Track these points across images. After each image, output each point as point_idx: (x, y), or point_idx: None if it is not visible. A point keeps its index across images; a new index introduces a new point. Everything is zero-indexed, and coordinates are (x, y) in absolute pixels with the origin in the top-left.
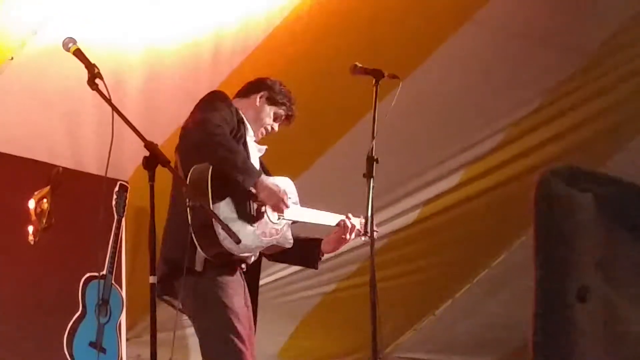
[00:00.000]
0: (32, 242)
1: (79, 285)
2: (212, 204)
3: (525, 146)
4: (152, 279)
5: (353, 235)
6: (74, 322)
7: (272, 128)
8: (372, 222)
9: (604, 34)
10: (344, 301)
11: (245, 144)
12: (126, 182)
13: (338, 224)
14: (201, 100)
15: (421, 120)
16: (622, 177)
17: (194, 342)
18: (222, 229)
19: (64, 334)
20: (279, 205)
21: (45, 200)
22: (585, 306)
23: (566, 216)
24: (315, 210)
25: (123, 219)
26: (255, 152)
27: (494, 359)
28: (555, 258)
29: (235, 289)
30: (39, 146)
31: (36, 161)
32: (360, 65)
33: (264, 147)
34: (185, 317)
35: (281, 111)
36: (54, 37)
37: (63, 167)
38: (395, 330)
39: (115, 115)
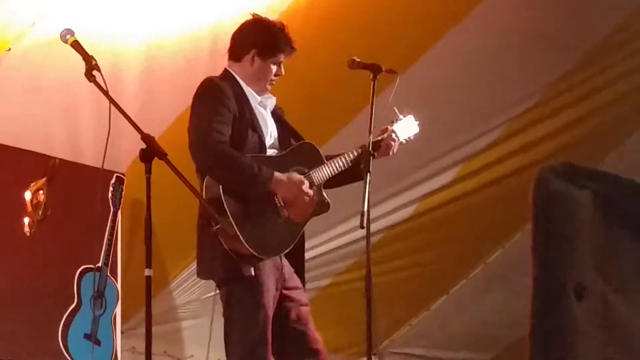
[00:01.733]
0: (28, 234)
1: (74, 277)
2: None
3: (522, 143)
4: (147, 272)
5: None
6: (69, 314)
7: (278, 75)
8: (368, 217)
9: (601, 32)
10: (339, 296)
11: (249, 119)
12: (123, 174)
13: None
14: (195, 98)
15: (418, 115)
16: (620, 174)
17: (188, 335)
18: (218, 221)
19: (59, 325)
20: (298, 197)
21: (41, 191)
22: (583, 304)
23: (564, 213)
24: (335, 160)
25: (119, 211)
26: (264, 116)
27: (489, 354)
28: (553, 255)
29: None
30: (36, 138)
31: (33, 152)
32: (358, 59)
33: (272, 100)
34: (182, 310)
35: (279, 57)
36: (52, 29)
37: (60, 159)
38: (390, 326)
39: (113, 107)
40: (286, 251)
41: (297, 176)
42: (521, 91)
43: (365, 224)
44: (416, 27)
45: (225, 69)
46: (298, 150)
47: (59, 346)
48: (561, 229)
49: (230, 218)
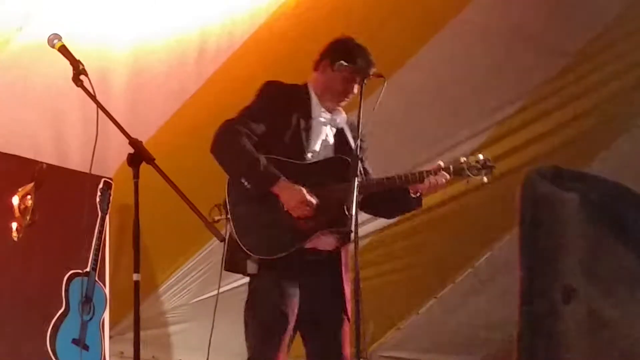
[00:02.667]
0: (15, 239)
1: (62, 282)
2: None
3: (509, 146)
4: (135, 277)
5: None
6: (57, 319)
7: (348, 91)
8: (356, 221)
9: (588, 35)
10: None
11: (296, 125)
12: (110, 179)
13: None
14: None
15: (405, 119)
16: (607, 177)
17: (177, 339)
18: (206, 226)
19: (47, 330)
20: (298, 207)
21: (29, 196)
22: (570, 306)
23: (551, 216)
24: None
25: (107, 216)
26: (320, 129)
27: (477, 357)
28: (540, 258)
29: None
30: (23, 142)
31: (20, 157)
32: (345, 63)
33: (342, 116)
34: (171, 314)
35: (348, 70)
36: (39, 34)
37: (47, 164)
38: (378, 329)
39: (100, 112)
40: (283, 255)
41: (302, 192)
42: (507, 95)
43: (353, 228)
44: (402, 32)
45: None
46: (327, 163)
47: (47, 351)
48: (548, 232)
49: (230, 215)
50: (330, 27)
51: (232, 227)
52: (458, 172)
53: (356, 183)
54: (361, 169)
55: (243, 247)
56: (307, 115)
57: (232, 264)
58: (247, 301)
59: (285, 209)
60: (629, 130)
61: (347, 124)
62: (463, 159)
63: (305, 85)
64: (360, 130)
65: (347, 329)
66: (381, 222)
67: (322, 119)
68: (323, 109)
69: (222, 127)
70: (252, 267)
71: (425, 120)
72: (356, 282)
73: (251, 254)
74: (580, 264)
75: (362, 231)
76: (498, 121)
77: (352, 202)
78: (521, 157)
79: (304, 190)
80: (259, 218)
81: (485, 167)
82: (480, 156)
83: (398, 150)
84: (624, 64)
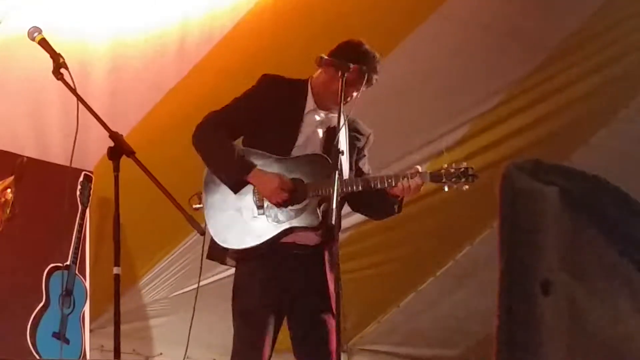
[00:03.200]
0: None
1: (42, 276)
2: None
3: (489, 139)
4: (116, 270)
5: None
6: (37, 313)
7: (348, 94)
8: (338, 214)
9: (568, 30)
10: None
11: (284, 120)
12: (91, 172)
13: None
14: None
15: (385, 112)
16: (587, 170)
17: (157, 333)
18: (187, 219)
19: (27, 324)
20: (273, 196)
21: (9, 190)
22: (550, 300)
23: (531, 209)
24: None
25: (87, 209)
26: (309, 125)
27: (457, 350)
28: (520, 251)
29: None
30: (3, 136)
31: (0, 151)
32: (326, 57)
33: (333, 119)
34: (151, 308)
35: (357, 80)
36: (19, 27)
37: (27, 157)
38: (359, 322)
39: (81, 105)
40: (253, 245)
41: (277, 177)
42: (487, 89)
43: (333, 221)
44: (383, 25)
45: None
46: (307, 160)
47: (27, 345)
48: (528, 225)
49: (205, 205)
50: (310, 22)
51: (206, 219)
52: (436, 178)
53: (337, 175)
54: (350, 165)
55: (216, 241)
56: (299, 111)
57: (215, 252)
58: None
59: (262, 196)
60: (608, 125)
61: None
62: (444, 166)
63: (306, 81)
64: (342, 123)
65: (333, 325)
66: (360, 216)
67: (317, 117)
68: (318, 107)
69: (204, 119)
70: (231, 260)
71: (404, 114)
72: (336, 275)
73: (224, 246)
74: (560, 256)
75: (342, 224)
76: (478, 115)
77: (332, 196)
78: (501, 150)
79: (279, 176)
80: (232, 212)
81: (465, 175)
82: (463, 164)
83: (376, 143)
84: (604, 58)
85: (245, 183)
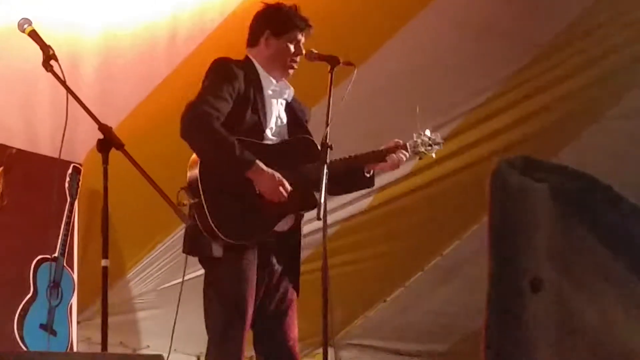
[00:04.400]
0: None
1: (30, 267)
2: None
3: (478, 136)
4: (104, 262)
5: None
6: (24, 304)
7: (297, 54)
8: (325, 208)
9: (557, 27)
10: None
11: (253, 101)
12: (80, 164)
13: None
14: (205, 75)
15: (375, 106)
16: (577, 168)
17: (145, 326)
18: (175, 211)
19: (15, 315)
20: (274, 192)
21: None
22: (538, 297)
23: (520, 206)
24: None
25: (76, 202)
26: (272, 103)
27: (445, 346)
28: (509, 248)
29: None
30: None
31: None
32: (315, 51)
33: (290, 91)
34: (138, 300)
35: (294, 34)
36: (9, 18)
37: (17, 149)
38: (346, 317)
39: (70, 97)
40: (253, 240)
41: (278, 177)
42: (476, 85)
43: (322, 216)
44: (373, 20)
45: (246, 55)
46: (293, 143)
47: (15, 336)
48: (517, 222)
49: (202, 198)
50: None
51: (206, 211)
52: (414, 149)
53: (325, 171)
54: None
55: (218, 232)
56: (259, 89)
57: (196, 247)
58: (206, 284)
59: (260, 193)
60: (597, 122)
61: (295, 99)
62: (415, 136)
63: (249, 59)
64: (330, 118)
65: (295, 309)
66: (349, 210)
67: (271, 92)
68: (271, 80)
69: (189, 111)
70: (217, 250)
71: (393, 109)
72: (324, 270)
73: (226, 239)
74: (549, 253)
75: (329, 220)
76: (467, 111)
77: (322, 190)
78: (489, 147)
79: (278, 175)
80: (232, 203)
81: (435, 143)
82: (428, 132)
83: (364, 139)
84: (593, 56)
85: (245, 178)
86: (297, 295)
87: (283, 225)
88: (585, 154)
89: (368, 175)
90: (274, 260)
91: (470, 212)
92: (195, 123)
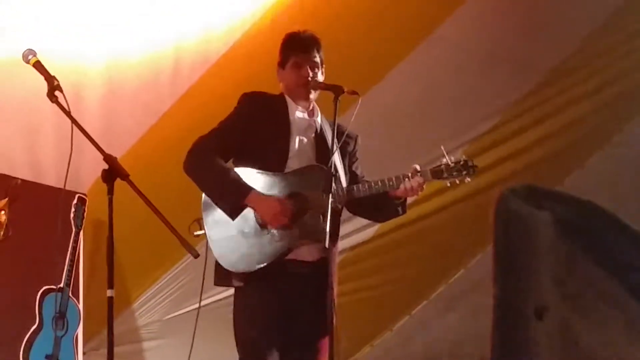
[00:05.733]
0: None
1: (36, 298)
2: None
3: (483, 164)
4: (109, 292)
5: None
6: (30, 335)
7: (304, 76)
8: (329, 237)
9: (562, 54)
10: None
11: (279, 135)
12: (85, 194)
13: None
14: None
15: (379, 135)
16: (580, 196)
17: (150, 356)
18: (180, 242)
19: (21, 346)
20: (274, 221)
21: (3, 212)
22: (543, 325)
23: (525, 234)
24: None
25: (81, 232)
26: (301, 132)
27: None
28: (514, 276)
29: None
30: None
31: None
32: (320, 80)
33: (317, 117)
34: (144, 330)
35: (295, 59)
36: (13, 49)
37: (22, 179)
38: (352, 346)
39: (75, 127)
40: (261, 266)
41: (277, 201)
42: (482, 112)
43: (327, 244)
44: (378, 49)
45: None
46: (304, 172)
47: None
48: (521, 250)
49: (205, 226)
50: None
51: (210, 245)
52: (437, 174)
53: (330, 198)
54: (343, 179)
55: (222, 265)
56: (286, 119)
57: (220, 278)
58: (233, 313)
59: (262, 221)
60: (602, 149)
61: (328, 127)
62: (444, 160)
63: (282, 94)
64: (334, 147)
65: (327, 340)
66: (355, 239)
67: (299, 116)
68: (300, 109)
69: (194, 145)
70: (237, 281)
71: (398, 137)
72: (329, 299)
73: (229, 269)
74: (553, 281)
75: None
76: (471, 139)
77: (326, 220)
78: (494, 174)
79: (279, 200)
80: (235, 234)
81: (466, 167)
82: (462, 157)
83: (369, 168)
84: (597, 82)
85: (243, 207)
86: (323, 328)
87: (304, 255)
88: (590, 180)
89: (397, 202)
90: (300, 294)
91: (474, 240)
92: (193, 156)
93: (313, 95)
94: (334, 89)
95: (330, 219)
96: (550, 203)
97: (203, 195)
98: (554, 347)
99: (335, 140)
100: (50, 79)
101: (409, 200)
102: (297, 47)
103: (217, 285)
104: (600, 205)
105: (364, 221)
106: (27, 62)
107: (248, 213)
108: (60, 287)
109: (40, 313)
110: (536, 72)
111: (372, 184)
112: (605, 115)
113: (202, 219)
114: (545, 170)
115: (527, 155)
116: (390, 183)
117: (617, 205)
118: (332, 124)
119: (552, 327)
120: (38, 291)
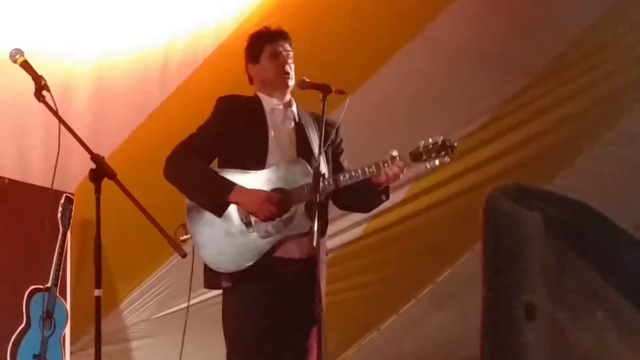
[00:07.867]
0: None
1: (23, 298)
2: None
3: (472, 163)
4: (97, 292)
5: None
6: (17, 335)
7: (282, 63)
8: (317, 237)
9: (551, 53)
10: None
11: (256, 133)
12: (72, 194)
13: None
14: None
15: (367, 134)
16: (569, 195)
17: (137, 355)
18: (168, 241)
19: (8, 346)
20: (260, 211)
21: None
22: (533, 324)
23: (514, 234)
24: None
25: (68, 231)
26: (279, 126)
27: None
28: (503, 276)
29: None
30: None
31: None
32: (308, 80)
33: (292, 108)
34: (132, 330)
35: (269, 49)
36: (1, 49)
37: (9, 179)
38: (339, 346)
39: (62, 127)
40: (249, 264)
41: (262, 191)
42: (471, 111)
43: (315, 243)
44: (366, 47)
45: None
46: (285, 168)
47: None
48: (510, 249)
49: (191, 230)
50: (294, 44)
51: (197, 248)
52: (416, 157)
53: (317, 198)
54: (327, 159)
55: (210, 266)
56: (262, 115)
57: (209, 281)
58: (222, 313)
59: (248, 214)
60: (591, 148)
61: (308, 118)
62: (420, 143)
63: (255, 95)
64: (322, 146)
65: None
66: (342, 238)
67: (275, 107)
68: (275, 101)
69: (172, 152)
70: (226, 282)
71: (386, 136)
72: (317, 297)
73: (220, 271)
74: (542, 280)
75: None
76: (460, 137)
77: (314, 217)
78: (483, 173)
79: (263, 191)
80: (221, 235)
81: (444, 147)
82: (439, 137)
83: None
84: (586, 82)
85: (227, 204)
86: (312, 327)
87: (294, 252)
88: (580, 179)
89: (380, 189)
90: (290, 292)
91: (463, 239)
92: (172, 162)
93: (292, 82)
94: (322, 89)
95: (316, 214)
96: (540, 203)
97: (187, 200)
98: (544, 346)
99: (322, 141)
100: (37, 78)
101: (397, 199)
102: (270, 38)
103: (207, 288)
104: (590, 206)
105: (352, 220)
106: (15, 61)
107: (232, 213)
108: (47, 287)
109: (27, 313)
110: (526, 71)
111: (353, 173)
112: (595, 113)
113: (187, 223)
114: (535, 169)
115: (516, 154)
116: (371, 170)
117: (606, 204)
118: (320, 121)
119: (542, 328)
120: (25, 291)
